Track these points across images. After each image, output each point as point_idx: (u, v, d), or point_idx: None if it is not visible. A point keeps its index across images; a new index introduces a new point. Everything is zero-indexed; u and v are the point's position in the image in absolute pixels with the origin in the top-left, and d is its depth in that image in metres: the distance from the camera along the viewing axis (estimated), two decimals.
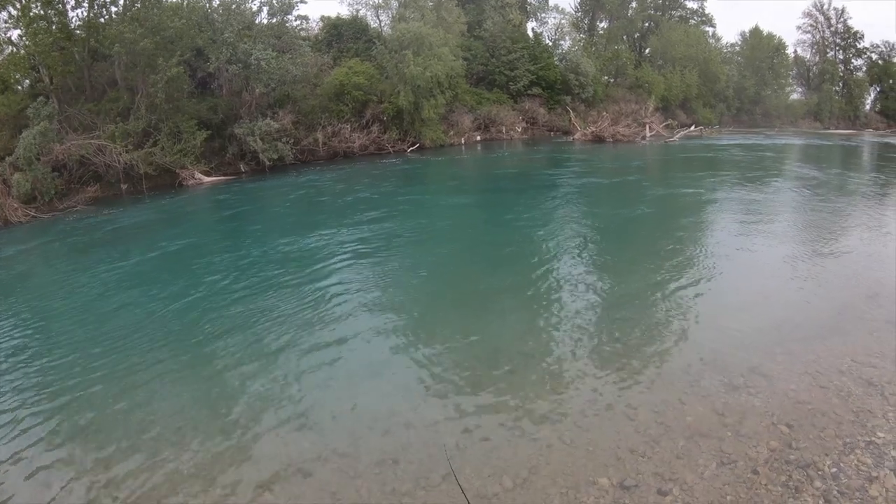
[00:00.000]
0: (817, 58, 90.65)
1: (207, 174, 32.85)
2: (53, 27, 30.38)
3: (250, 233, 20.32)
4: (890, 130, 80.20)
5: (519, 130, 52.07)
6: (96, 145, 28.51)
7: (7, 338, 11.88)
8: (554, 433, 7.57)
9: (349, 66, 42.36)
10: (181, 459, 7.47)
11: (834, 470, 6.62)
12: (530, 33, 60.63)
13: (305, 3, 53.25)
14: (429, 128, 43.77)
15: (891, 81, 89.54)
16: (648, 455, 7.01)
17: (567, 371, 9.23)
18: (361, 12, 52.30)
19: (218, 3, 36.18)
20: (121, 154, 28.76)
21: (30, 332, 12.30)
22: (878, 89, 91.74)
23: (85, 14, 31.72)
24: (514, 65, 53.15)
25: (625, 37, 73.17)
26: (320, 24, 51.86)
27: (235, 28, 34.83)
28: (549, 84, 54.89)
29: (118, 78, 31.88)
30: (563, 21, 64.48)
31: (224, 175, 33.94)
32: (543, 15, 65.34)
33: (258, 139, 34.45)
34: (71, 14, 31.58)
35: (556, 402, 8.34)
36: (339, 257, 15.97)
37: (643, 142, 48.11)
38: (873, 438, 7.13)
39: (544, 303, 12.29)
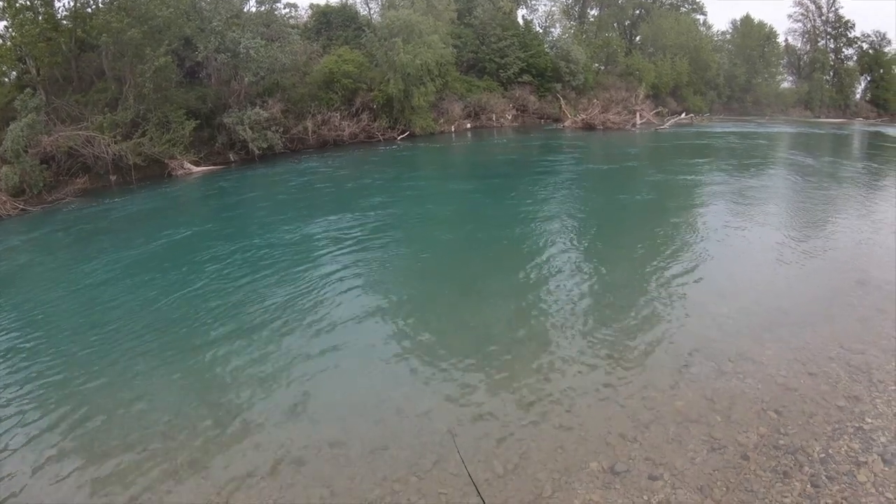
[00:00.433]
0: (808, 47, 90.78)
1: (197, 164, 32.56)
2: (40, 18, 30.05)
3: (240, 222, 20.23)
4: (880, 119, 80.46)
5: (509, 118, 51.92)
6: (84, 136, 28.20)
7: (2, 330, 11.83)
8: (545, 419, 7.60)
9: (338, 55, 42.14)
10: (174, 449, 7.48)
11: (822, 455, 6.67)
12: (521, 21, 60.44)
13: None
14: (419, 116, 43.58)
15: (881, 71, 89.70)
16: (639, 440, 7.05)
17: (558, 357, 9.25)
18: (351, 0, 52.15)
19: None
20: (109, 145, 28.46)
21: (25, 324, 12.22)
22: (868, 78, 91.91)
23: (71, 4, 31.46)
24: (505, 52, 52.92)
25: (615, 24, 73.08)
26: (309, 12, 51.76)
27: (224, 16, 34.48)
28: (539, 71, 54.70)
29: (106, 68, 31.51)
30: (553, 8, 64.50)
31: (213, 165, 33.66)
32: (534, 2, 65.14)
33: (247, 128, 34.20)
34: (57, 4, 31.40)
35: (546, 388, 8.36)
36: (331, 246, 15.95)
37: (633, 129, 48.10)
38: (861, 424, 7.18)
39: (536, 289, 12.29)
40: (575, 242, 15.54)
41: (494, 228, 17.44)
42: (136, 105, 30.66)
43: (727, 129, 49.38)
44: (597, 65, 63.33)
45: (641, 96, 53.59)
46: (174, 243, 17.51)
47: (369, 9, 52.74)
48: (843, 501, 6.01)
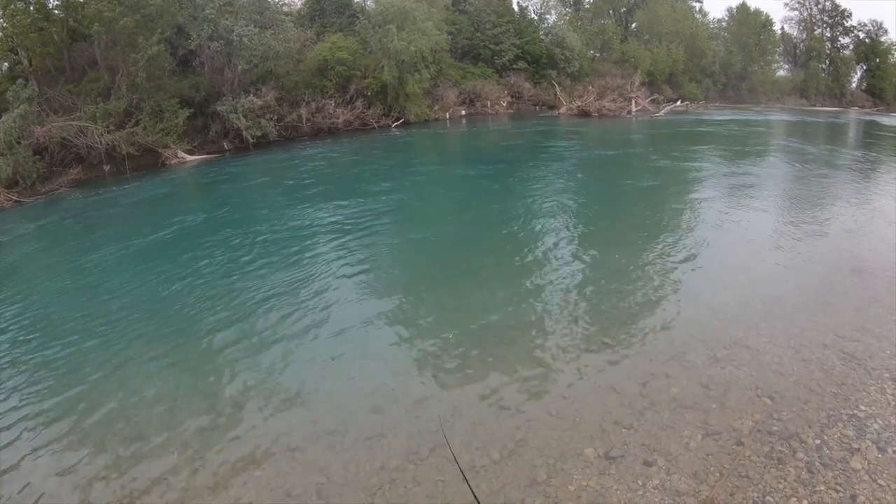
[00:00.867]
0: (804, 35, 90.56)
1: (190, 153, 32.39)
2: (31, 8, 29.79)
3: (236, 210, 20.14)
4: (876, 109, 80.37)
5: (504, 105, 51.79)
6: (77, 127, 28.04)
7: (2, 321, 11.82)
8: (540, 406, 7.62)
9: (332, 42, 41.88)
10: (170, 438, 7.51)
11: (817, 442, 6.70)
12: (515, 7, 59.95)
13: None
14: (413, 103, 43.39)
15: (877, 60, 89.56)
16: (634, 427, 7.07)
17: (553, 344, 9.27)
18: None
19: None
20: (102, 135, 28.29)
21: (25, 315, 12.21)
22: (864, 68, 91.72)
23: None
24: (499, 39, 52.73)
25: (611, 11, 72.70)
26: None
27: (216, 4, 34.14)
28: (534, 58, 54.56)
29: (98, 58, 31.25)
30: None
31: (207, 154, 33.48)
32: None
33: (241, 116, 34.02)
34: None
35: (542, 375, 8.39)
36: (327, 234, 15.94)
37: (629, 116, 47.99)
38: (855, 411, 7.21)
39: (533, 276, 12.30)
40: (571, 229, 15.53)
41: (491, 215, 17.42)
42: (128, 94, 30.46)
43: (722, 117, 49.34)
44: (592, 52, 63.19)
45: (637, 83, 53.38)
46: (170, 233, 17.45)
47: None
48: (837, 488, 6.04)
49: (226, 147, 35.03)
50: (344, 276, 12.78)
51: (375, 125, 41.54)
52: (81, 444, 7.48)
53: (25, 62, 30.45)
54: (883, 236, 13.99)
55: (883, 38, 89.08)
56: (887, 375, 7.97)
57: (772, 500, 5.94)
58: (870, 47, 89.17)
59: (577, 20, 64.60)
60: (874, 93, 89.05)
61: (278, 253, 14.60)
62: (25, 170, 25.89)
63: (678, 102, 58.06)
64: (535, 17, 60.88)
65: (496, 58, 52.87)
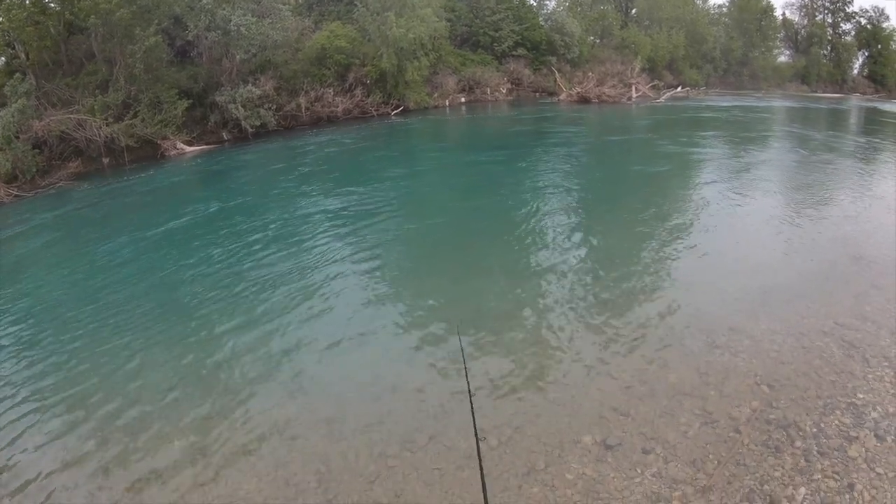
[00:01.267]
0: (805, 21, 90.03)
1: (190, 144, 32.17)
2: (27, 2, 29.56)
3: (234, 201, 20.04)
4: (877, 95, 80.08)
5: (504, 92, 51.52)
6: (76, 120, 27.84)
7: (8, 314, 11.83)
8: (538, 393, 7.62)
9: (331, 30, 41.52)
10: (171, 428, 7.52)
11: (814, 430, 6.70)
12: None
13: None
14: (413, 90, 43.14)
15: (879, 47, 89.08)
16: (632, 414, 7.07)
17: (551, 331, 9.28)
18: None
19: None
20: (101, 127, 28.08)
21: (31, 308, 12.27)
22: (866, 54, 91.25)
23: None
24: (499, 25, 52.42)
25: None
26: None
27: None
28: (533, 45, 54.24)
29: (95, 50, 30.95)
30: None
31: (207, 144, 33.24)
32: None
33: (240, 106, 33.76)
34: None
35: (539, 362, 8.39)
36: (329, 222, 15.95)
37: (629, 102, 47.87)
38: (854, 400, 7.21)
39: (532, 263, 12.30)
40: (571, 216, 15.51)
41: (492, 202, 17.39)
42: (126, 86, 30.22)
43: (723, 103, 49.16)
44: (592, 38, 62.76)
45: (637, 70, 53.22)
46: (169, 224, 17.41)
47: None
48: (835, 476, 6.04)
49: (225, 137, 34.83)
50: (344, 264, 12.78)
51: (375, 113, 41.27)
52: (80, 433, 7.51)
53: (22, 56, 30.19)
54: (883, 223, 13.95)
55: (885, 25, 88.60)
56: (886, 364, 7.96)
57: (769, 488, 5.94)
58: (871, 33, 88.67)
59: (576, 6, 64.10)
60: (876, 79, 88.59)
61: (279, 242, 14.57)
62: (25, 164, 25.68)
63: (679, 88, 57.85)
64: (535, 4, 60.55)
65: (495, 44, 52.60)
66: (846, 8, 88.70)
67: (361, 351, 9.14)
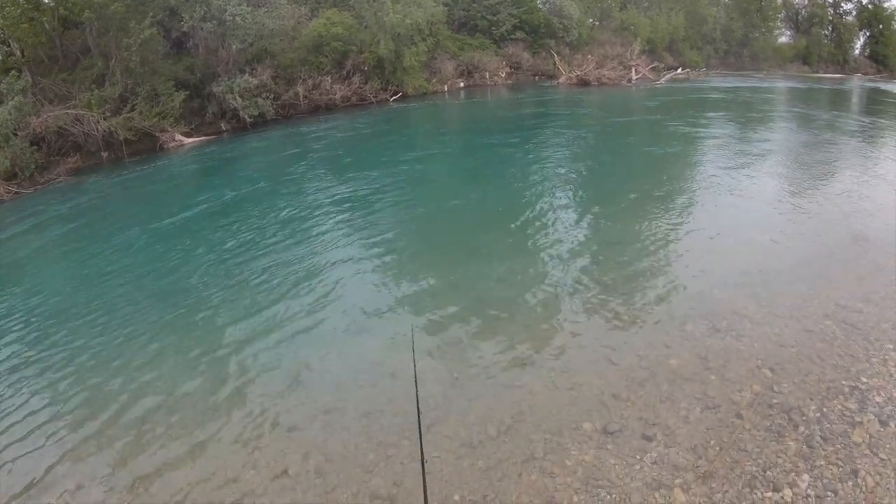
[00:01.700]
0: (806, 1, 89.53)
1: (188, 135, 32.00)
2: None
3: (233, 191, 19.88)
4: (879, 76, 79.72)
5: (503, 76, 51.30)
6: (73, 115, 27.66)
7: (13, 311, 11.80)
8: (537, 379, 7.56)
9: (327, 17, 41.23)
10: (172, 422, 7.50)
11: (817, 415, 6.64)
12: None
13: None
14: (411, 76, 42.93)
15: (880, 26, 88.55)
16: (632, 400, 7.01)
17: (550, 317, 9.22)
18: None
19: None
20: (99, 122, 27.94)
21: (34, 305, 12.25)
22: (867, 34, 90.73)
23: None
24: (497, 9, 52.09)
25: None
26: None
27: None
28: (532, 28, 53.95)
29: (91, 45, 30.76)
30: None
31: (205, 135, 33.07)
32: None
33: (237, 96, 33.61)
34: None
35: (539, 348, 8.33)
36: (327, 211, 15.85)
37: (629, 85, 47.66)
38: (857, 384, 7.14)
39: (532, 248, 12.22)
40: (572, 199, 15.45)
41: (493, 187, 17.34)
42: (123, 79, 30.08)
43: (724, 85, 48.92)
44: (591, 20, 62.32)
45: (637, 51, 52.88)
46: (173, 216, 17.33)
47: None
48: (838, 462, 5.98)
49: (223, 128, 34.70)
50: (346, 251, 12.78)
51: (373, 100, 41.03)
52: (80, 430, 7.51)
53: (18, 53, 29.99)
54: (886, 203, 13.85)
55: (886, 4, 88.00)
56: (890, 346, 7.89)
57: (771, 474, 5.88)
58: (872, 13, 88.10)
59: None
60: (877, 59, 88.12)
61: (280, 231, 14.53)
62: (23, 161, 25.53)
63: (679, 70, 57.58)
64: None
65: (493, 28, 52.30)
66: None
67: (361, 339, 9.10)
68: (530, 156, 21.39)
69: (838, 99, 43.81)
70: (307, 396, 7.75)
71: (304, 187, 18.77)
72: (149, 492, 6.37)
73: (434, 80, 45.83)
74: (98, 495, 6.40)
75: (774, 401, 6.87)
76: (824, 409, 6.70)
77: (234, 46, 34.32)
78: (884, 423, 6.47)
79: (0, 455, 7.13)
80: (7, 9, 28.42)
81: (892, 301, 9.10)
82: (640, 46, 54.13)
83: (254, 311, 10.31)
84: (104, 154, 29.13)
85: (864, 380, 7.20)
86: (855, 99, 44.87)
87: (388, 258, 12.34)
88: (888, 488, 5.68)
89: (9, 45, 30.20)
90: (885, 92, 48.98)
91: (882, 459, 5.99)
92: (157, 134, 30.58)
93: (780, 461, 6.03)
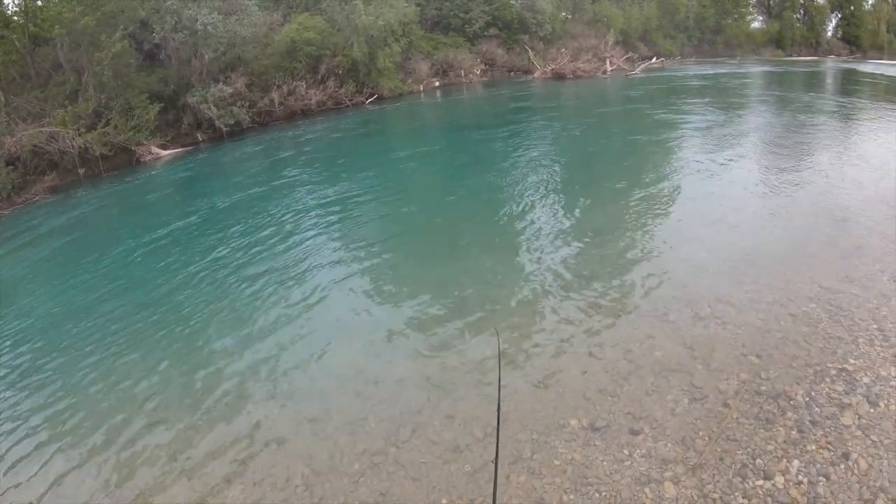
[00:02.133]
0: None
1: (164, 148, 31.69)
2: None
3: (212, 203, 19.67)
4: (852, 57, 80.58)
5: (478, 73, 51.28)
6: (48, 132, 27.26)
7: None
8: (522, 378, 7.46)
9: (299, 22, 40.96)
10: (155, 433, 7.40)
11: (806, 399, 6.58)
12: None
13: None
14: (386, 78, 42.78)
15: (852, 8, 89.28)
16: (618, 394, 6.93)
17: (533, 313, 9.13)
18: None
19: None
20: (74, 138, 27.54)
21: (15, 326, 12.10)
22: (839, 16, 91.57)
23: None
24: (469, 7, 52.06)
25: None
26: None
27: None
28: (505, 24, 53.96)
29: (62, 60, 30.39)
30: None
31: (182, 146, 32.76)
32: None
33: (212, 106, 33.35)
34: (6, 0, 30.51)
35: (522, 347, 8.23)
36: (306, 218, 15.75)
37: (604, 76, 47.86)
38: (844, 365, 7.09)
39: (512, 245, 12.18)
40: (554, 193, 15.36)
41: (476, 185, 17.26)
42: (96, 94, 29.69)
43: (699, 72, 49.17)
44: (564, 14, 62.41)
45: (611, 43, 53.10)
46: (153, 231, 17.06)
47: None
48: (829, 446, 5.92)
49: (200, 138, 34.41)
50: (325, 258, 12.64)
51: (349, 103, 40.89)
52: (66, 442, 7.43)
53: None
54: (865, 183, 13.88)
55: None
56: (875, 326, 7.85)
57: (762, 462, 5.81)
58: None
59: None
60: (850, 41, 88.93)
61: (261, 241, 14.36)
62: (0, 181, 25.25)
63: (653, 60, 57.85)
64: None
65: (467, 26, 52.29)
66: None
67: (343, 346, 8.97)
68: (509, 151, 21.31)
69: (813, 81, 44.10)
70: (292, 406, 7.62)
71: (281, 195, 18.61)
72: None
73: (409, 81, 45.73)
74: None
75: (762, 388, 6.80)
76: (812, 394, 6.64)
77: (206, 56, 34.07)
78: (873, 404, 6.41)
79: None
80: None
81: (874, 280, 9.08)
82: (613, 38, 54.37)
83: (236, 323, 10.16)
84: (81, 171, 28.69)
85: (852, 361, 7.15)
86: (829, 80, 45.22)
87: (368, 263, 12.22)
88: (881, 470, 5.62)
89: None
90: (858, 72, 49.37)
91: (874, 441, 5.93)
92: (133, 148, 30.23)
93: (770, 448, 5.96)
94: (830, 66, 60.30)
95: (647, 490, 5.66)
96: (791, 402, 6.53)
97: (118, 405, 8.16)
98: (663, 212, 13.03)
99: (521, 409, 6.87)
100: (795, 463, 5.76)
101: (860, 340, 7.56)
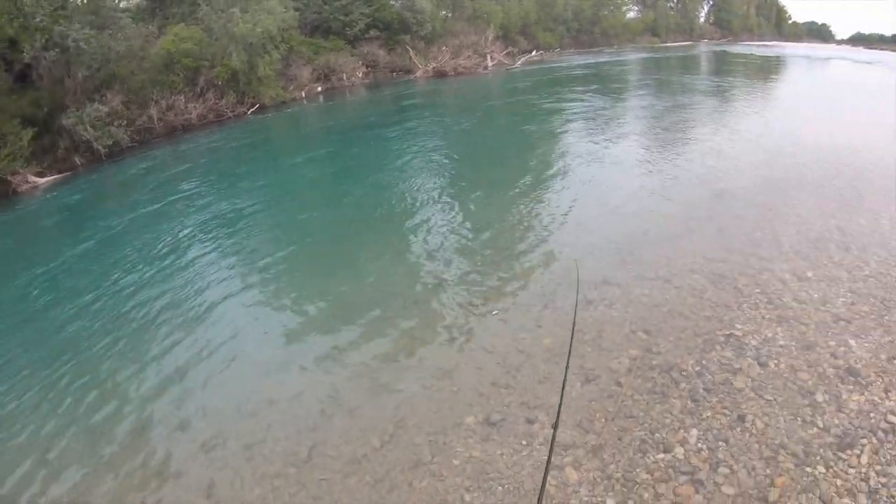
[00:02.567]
0: None
1: (41, 175, 30.08)
2: None
3: (95, 231, 18.72)
4: (725, 40, 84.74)
5: (360, 76, 50.98)
6: None
7: None
8: (416, 382, 7.27)
9: (175, 34, 39.72)
10: (45, 475, 6.87)
11: (697, 369, 6.66)
12: None
13: None
14: (267, 86, 41.93)
15: None
16: (511, 385, 6.84)
17: (423, 315, 8.96)
18: None
19: None
20: None
21: None
22: (710, 2, 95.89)
23: None
24: (349, 9, 51.71)
25: None
26: None
27: (47, 10, 31.86)
28: (386, 25, 53.84)
29: None
30: None
31: (59, 172, 31.14)
32: None
33: (88, 127, 31.78)
34: None
35: (414, 350, 8.04)
36: (192, 238, 15.01)
37: (485, 72, 48.43)
38: (732, 331, 7.23)
39: (401, 247, 11.97)
40: (443, 188, 15.28)
41: (365, 188, 16.87)
42: None
43: (578, 62, 50.37)
44: (444, 12, 62.79)
45: (491, 38, 53.76)
46: (31, 267, 16.19)
47: None
48: (724, 411, 6.01)
49: (78, 162, 32.75)
50: (212, 278, 11.98)
51: (231, 115, 39.77)
52: None
53: None
54: (740, 156, 14.34)
55: None
56: (758, 290, 8.05)
57: (661, 435, 5.83)
58: None
59: None
60: (722, 25, 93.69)
61: (148, 266, 13.57)
62: None
63: (533, 53, 58.93)
64: None
65: (347, 29, 51.90)
66: None
67: (234, 367, 8.51)
68: (398, 150, 21.15)
69: (688, 64, 45.77)
70: (187, 436, 7.16)
71: (170, 215, 17.84)
72: None
73: (291, 88, 44.98)
74: None
75: (653, 362, 6.85)
76: (704, 362, 6.73)
77: (80, 74, 32.55)
78: (763, 365, 6.56)
79: None
80: None
81: (753, 247, 9.33)
82: (493, 33, 55.01)
83: (130, 354, 9.46)
84: None
85: (739, 326, 7.31)
86: (703, 62, 46.98)
87: (263, 275, 11.76)
88: (778, 427, 5.72)
89: None
90: (729, 53, 51.67)
91: (768, 400, 6.07)
92: (8, 178, 28.69)
93: (667, 421, 5.99)
94: (704, 49, 62.82)
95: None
96: (683, 373, 6.58)
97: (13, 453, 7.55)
98: (549, 199, 13.13)
99: (417, 413, 6.68)
100: (693, 432, 5.79)
101: (745, 305, 7.74)
